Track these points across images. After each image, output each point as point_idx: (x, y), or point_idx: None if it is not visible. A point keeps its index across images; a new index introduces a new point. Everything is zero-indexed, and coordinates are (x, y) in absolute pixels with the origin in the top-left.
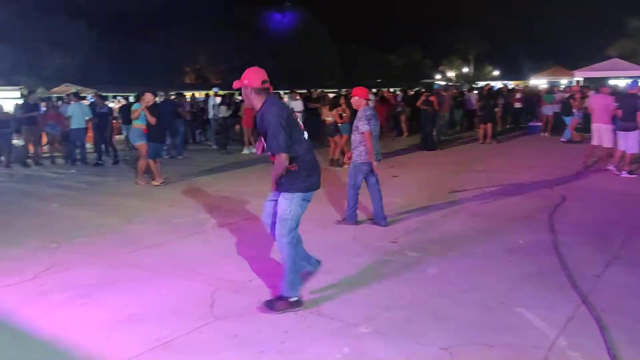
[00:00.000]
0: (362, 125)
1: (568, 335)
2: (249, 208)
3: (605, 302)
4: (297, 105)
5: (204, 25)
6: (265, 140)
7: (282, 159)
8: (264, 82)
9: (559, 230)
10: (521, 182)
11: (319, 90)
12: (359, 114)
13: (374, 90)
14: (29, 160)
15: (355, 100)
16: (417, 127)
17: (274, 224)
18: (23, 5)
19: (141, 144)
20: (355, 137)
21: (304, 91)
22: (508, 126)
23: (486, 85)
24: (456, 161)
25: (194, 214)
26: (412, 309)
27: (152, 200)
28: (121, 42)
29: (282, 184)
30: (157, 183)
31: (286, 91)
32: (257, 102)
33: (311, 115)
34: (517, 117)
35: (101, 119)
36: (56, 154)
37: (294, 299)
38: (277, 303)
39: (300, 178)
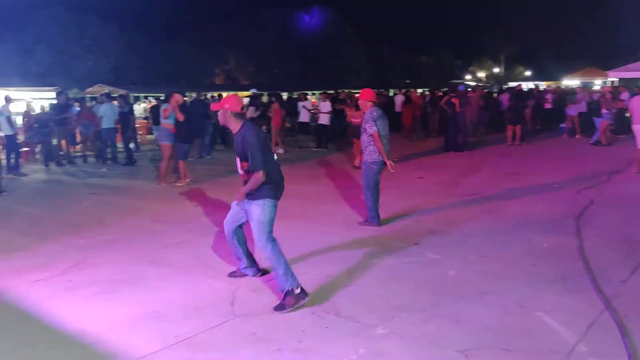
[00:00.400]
0: (369, 127)
1: (589, 341)
2: None
3: (629, 308)
4: (325, 106)
5: (233, 27)
6: (241, 159)
7: (260, 175)
8: (242, 108)
9: (585, 234)
10: (548, 184)
11: (346, 91)
12: (365, 116)
13: (403, 90)
14: (62, 159)
15: (361, 102)
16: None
17: (232, 231)
18: (58, 10)
19: (166, 144)
20: (364, 139)
21: (332, 92)
22: (538, 127)
23: (517, 85)
24: (482, 162)
25: (218, 214)
26: (430, 311)
27: (178, 200)
28: (152, 43)
29: (259, 191)
30: (181, 184)
31: (314, 92)
32: (236, 125)
33: (338, 115)
34: (547, 119)
35: (122, 118)
36: (88, 152)
37: (297, 289)
38: (285, 301)
39: (270, 189)
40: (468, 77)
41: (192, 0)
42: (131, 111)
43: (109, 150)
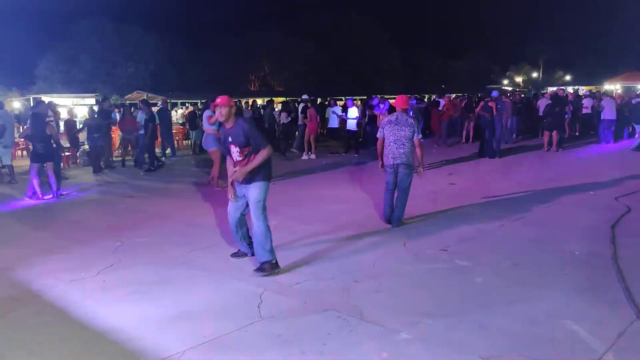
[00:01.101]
0: (378, 132)
1: (617, 351)
2: (304, 213)
3: None
4: (352, 112)
5: (268, 33)
6: (241, 147)
7: (268, 150)
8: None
9: (620, 243)
10: (585, 191)
11: (379, 96)
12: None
13: (433, 96)
14: (101, 164)
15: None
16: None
17: (237, 219)
18: (101, 20)
19: (214, 150)
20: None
21: (365, 98)
22: (576, 133)
23: (558, 90)
24: (517, 169)
25: (250, 218)
26: (456, 317)
27: (213, 203)
28: (190, 51)
29: (257, 175)
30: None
31: (353, 97)
32: (234, 120)
33: (371, 121)
34: (585, 124)
35: (144, 125)
36: (127, 157)
37: (274, 261)
38: (264, 267)
39: (266, 172)
40: (505, 82)
41: (229, 8)
42: (152, 118)
43: (146, 155)
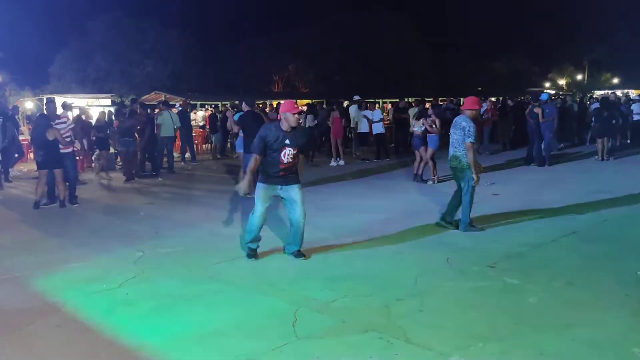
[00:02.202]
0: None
1: None
2: (336, 224)
3: None
4: (377, 114)
5: (294, 32)
6: (299, 149)
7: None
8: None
9: None
10: None
11: (408, 99)
12: None
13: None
14: (118, 167)
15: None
16: (522, 140)
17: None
18: (118, 15)
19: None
20: None
21: (396, 100)
22: (628, 141)
23: (609, 93)
24: (567, 179)
25: (280, 228)
26: (510, 340)
27: (240, 212)
28: (211, 50)
29: (297, 177)
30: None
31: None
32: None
33: (400, 125)
34: (637, 132)
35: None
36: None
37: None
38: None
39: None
40: (547, 84)
41: (252, 6)
42: (149, 120)
43: (165, 159)
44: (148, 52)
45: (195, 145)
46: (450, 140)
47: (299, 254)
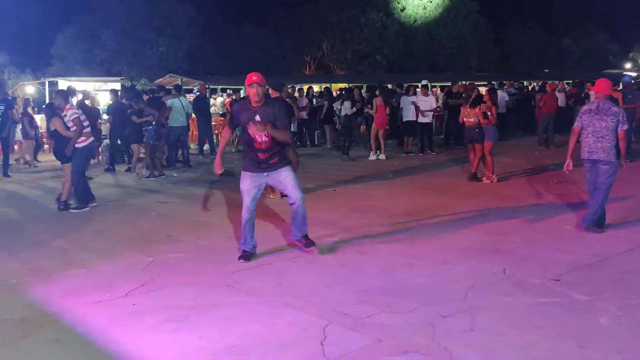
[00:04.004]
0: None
1: None
2: (374, 227)
3: None
4: (426, 103)
5: (327, 7)
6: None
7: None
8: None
9: None
10: None
11: (463, 82)
12: None
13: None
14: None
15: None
16: None
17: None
18: None
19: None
20: None
21: (448, 84)
22: None
23: None
24: None
25: (312, 232)
26: None
27: (261, 213)
28: (232, 27)
29: (283, 160)
30: (273, 196)
31: (423, 83)
32: (263, 100)
33: (453, 114)
34: None
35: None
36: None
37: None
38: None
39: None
40: (628, 65)
41: None
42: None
43: (179, 152)
44: (161, 29)
45: (214, 136)
46: (591, 129)
47: (308, 242)
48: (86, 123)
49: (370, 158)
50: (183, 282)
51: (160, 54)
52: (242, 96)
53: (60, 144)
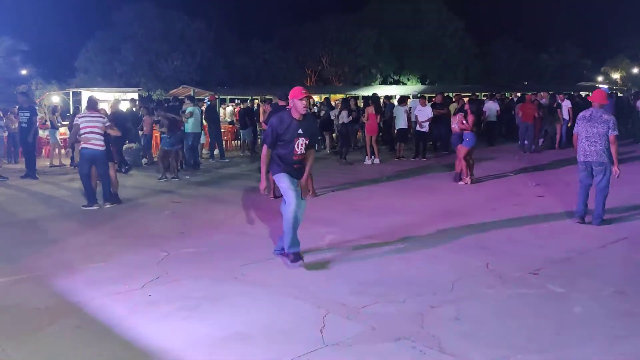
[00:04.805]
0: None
1: None
2: (370, 226)
3: None
4: (423, 113)
5: (327, 24)
6: (309, 140)
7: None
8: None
9: None
10: None
11: (445, 94)
12: None
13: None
14: (144, 160)
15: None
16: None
17: None
18: (144, 5)
19: None
20: None
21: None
22: None
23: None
24: (623, 180)
25: (309, 229)
26: (553, 352)
27: (267, 211)
28: (241, 42)
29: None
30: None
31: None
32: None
33: (438, 122)
34: None
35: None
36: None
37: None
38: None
39: None
40: (600, 78)
41: None
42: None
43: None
44: (175, 44)
45: (224, 142)
46: (585, 134)
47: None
48: (85, 130)
49: (365, 162)
50: (194, 275)
51: (174, 67)
52: (248, 105)
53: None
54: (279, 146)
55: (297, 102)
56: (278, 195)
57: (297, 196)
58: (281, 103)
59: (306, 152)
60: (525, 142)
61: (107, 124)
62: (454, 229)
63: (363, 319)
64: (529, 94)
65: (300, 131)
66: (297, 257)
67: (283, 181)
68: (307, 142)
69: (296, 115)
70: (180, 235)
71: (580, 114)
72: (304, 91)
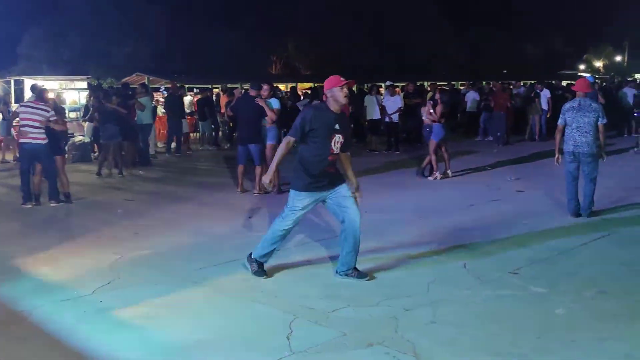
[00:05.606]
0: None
1: None
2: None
3: None
4: (392, 104)
5: (296, 9)
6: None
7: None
8: None
9: None
10: None
11: (419, 83)
12: None
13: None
14: (94, 155)
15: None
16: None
17: None
18: None
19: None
20: None
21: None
22: None
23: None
24: (600, 174)
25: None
26: (534, 356)
27: (229, 210)
28: (200, 26)
29: (341, 175)
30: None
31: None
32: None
33: (411, 113)
34: None
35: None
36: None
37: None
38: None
39: None
40: (582, 67)
41: None
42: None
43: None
44: (129, 30)
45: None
46: (575, 125)
47: (361, 274)
48: (23, 122)
49: None
50: (150, 279)
51: (127, 54)
52: (207, 95)
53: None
54: (311, 145)
55: (337, 92)
56: (284, 190)
57: (297, 221)
58: (252, 93)
59: (340, 152)
60: (498, 134)
61: (52, 117)
62: (429, 226)
63: (333, 324)
64: (507, 83)
65: (337, 126)
66: (261, 268)
67: (300, 202)
68: (342, 139)
69: (334, 108)
70: (134, 236)
71: (568, 104)
72: (342, 79)
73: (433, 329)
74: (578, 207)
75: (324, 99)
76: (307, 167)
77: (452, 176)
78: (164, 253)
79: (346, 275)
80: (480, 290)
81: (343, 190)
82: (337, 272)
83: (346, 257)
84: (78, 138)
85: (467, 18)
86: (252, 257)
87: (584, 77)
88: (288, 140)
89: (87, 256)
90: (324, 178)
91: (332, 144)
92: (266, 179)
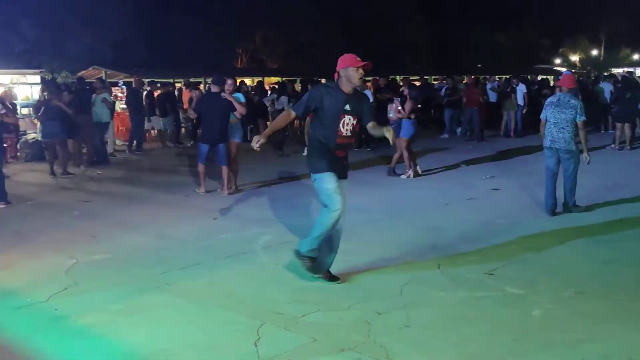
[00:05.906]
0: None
1: None
2: (309, 225)
3: None
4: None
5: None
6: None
7: None
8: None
9: None
10: None
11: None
12: None
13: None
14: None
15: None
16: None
17: None
18: None
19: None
20: None
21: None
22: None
23: (626, 72)
24: (582, 170)
25: (241, 230)
26: (509, 359)
27: (192, 211)
28: (162, 18)
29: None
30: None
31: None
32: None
33: (382, 108)
34: None
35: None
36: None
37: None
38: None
39: None
40: (557, 61)
41: None
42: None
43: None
44: (85, 19)
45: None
46: (553, 120)
47: (332, 277)
48: None
49: (304, 154)
50: (109, 284)
51: (84, 45)
52: (169, 89)
53: None
54: (319, 125)
55: (352, 72)
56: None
57: (343, 202)
58: (214, 89)
59: (352, 135)
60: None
61: (2, 111)
62: (402, 227)
63: (303, 330)
64: (482, 78)
65: (347, 107)
66: (312, 263)
67: (328, 182)
68: (355, 122)
69: (346, 89)
70: (92, 240)
71: (548, 100)
72: (359, 59)
73: (407, 333)
74: (555, 206)
75: (335, 77)
76: (319, 148)
77: (422, 174)
78: (123, 257)
79: (301, 258)
80: (455, 292)
81: (344, 185)
82: (298, 251)
83: (314, 243)
84: (31, 136)
85: (441, 8)
86: (301, 254)
87: (569, 72)
88: (289, 112)
89: (41, 261)
90: (336, 164)
91: (341, 125)
92: (257, 143)
